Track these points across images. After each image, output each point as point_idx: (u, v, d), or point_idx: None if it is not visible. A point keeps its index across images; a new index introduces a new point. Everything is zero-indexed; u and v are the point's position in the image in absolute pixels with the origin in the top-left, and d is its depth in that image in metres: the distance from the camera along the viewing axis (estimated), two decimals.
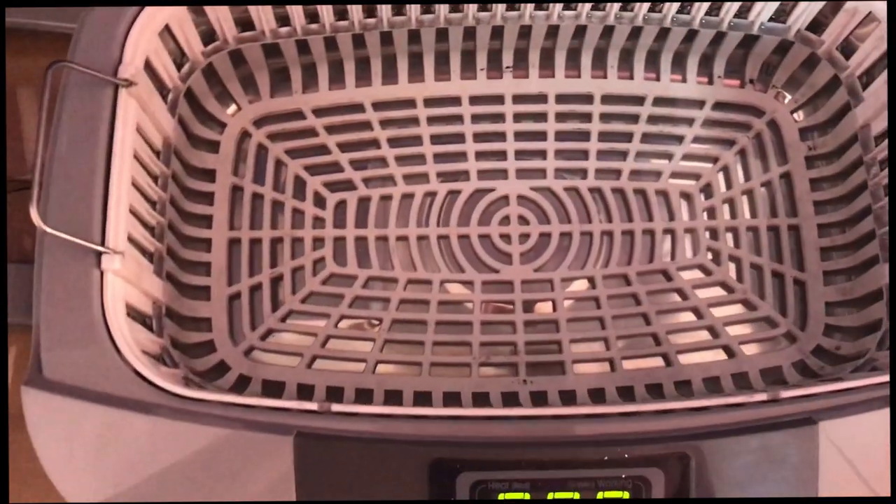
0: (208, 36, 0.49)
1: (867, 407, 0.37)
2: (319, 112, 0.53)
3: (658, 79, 0.54)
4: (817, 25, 0.50)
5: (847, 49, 0.49)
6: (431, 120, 0.53)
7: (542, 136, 0.53)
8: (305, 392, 0.47)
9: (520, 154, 0.53)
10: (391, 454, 0.36)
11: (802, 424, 0.36)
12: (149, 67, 0.44)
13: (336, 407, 0.37)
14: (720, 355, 0.49)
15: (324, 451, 0.36)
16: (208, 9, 0.47)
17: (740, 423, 0.37)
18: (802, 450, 0.36)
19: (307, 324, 0.50)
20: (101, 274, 0.38)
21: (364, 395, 0.47)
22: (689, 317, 0.50)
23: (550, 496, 0.36)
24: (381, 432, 0.37)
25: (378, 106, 0.53)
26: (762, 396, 0.38)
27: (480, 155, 0.53)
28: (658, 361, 0.49)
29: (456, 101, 0.53)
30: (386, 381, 0.48)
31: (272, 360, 0.49)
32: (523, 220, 0.52)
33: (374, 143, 0.53)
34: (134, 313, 0.41)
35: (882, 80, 0.47)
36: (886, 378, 0.38)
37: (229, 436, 0.36)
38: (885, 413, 0.36)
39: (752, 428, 0.37)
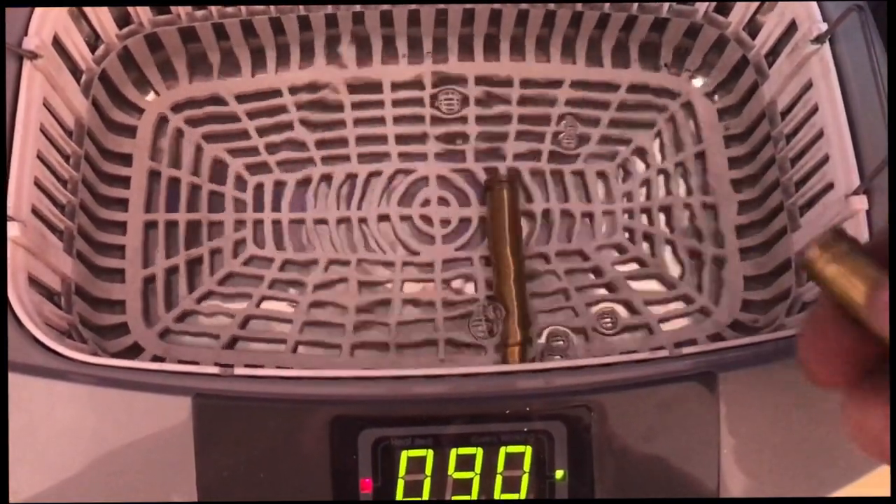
0: (123, 19, 0.49)
1: (763, 360, 0.37)
2: (238, 97, 0.53)
3: (574, 64, 0.55)
4: (724, 7, 0.51)
5: (752, 29, 0.51)
6: (352, 105, 0.53)
7: (462, 119, 0.54)
8: None
9: (440, 137, 0.53)
10: (292, 413, 0.36)
11: (702, 377, 0.37)
12: (58, 45, 0.44)
13: (238, 370, 0.37)
14: (637, 332, 0.50)
15: (223, 412, 0.35)
16: None
17: (642, 378, 0.37)
18: (703, 401, 0.36)
19: (226, 305, 0.49)
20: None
21: None
22: (606, 294, 0.51)
23: (453, 452, 0.36)
24: (283, 392, 0.36)
25: (298, 90, 0.53)
26: (664, 353, 0.38)
27: (401, 138, 0.53)
28: (577, 338, 0.50)
29: (377, 85, 0.54)
30: (306, 362, 0.48)
31: (189, 342, 0.48)
32: (444, 202, 0.52)
33: (294, 127, 0.53)
34: (39, 287, 0.41)
35: (784, 56, 0.48)
36: (781, 334, 0.38)
37: (129, 397, 0.35)
38: (778, 365, 0.37)
39: (653, 381, 0.37)
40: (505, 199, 0.50)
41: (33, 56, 0.41)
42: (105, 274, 0.48)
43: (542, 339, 0.49)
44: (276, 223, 0.51)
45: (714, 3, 0.51)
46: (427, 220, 0.52)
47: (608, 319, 0.50)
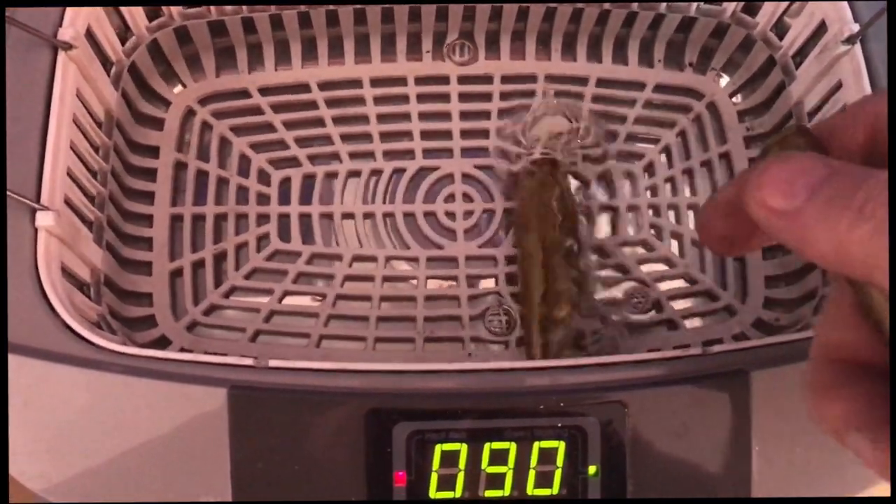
0: (153, 11, 0.49)
1: (795, 358, 0.37)
2: (265, 91, 0.53)
3: (600, 62, 0.55)
4: (751, 7, 0.51)
5: (780, 30, 0.51)
6: (377, 100, 0.54)
7: (486, 115, 0.54)
8: None
9: (465, 133, 0.54)
10: (327, 405, 0.36)
11: (735, 375, 0.37)
12: (90, 36, 0.45)
13: (273, 362, 0.37)
14: (662, 329, 0.50)
15: (258, 403, 0.36)
16: None
17: (675, 376, 0.37)
18: (736, 399, 0.37)
19: (251, 300, 0.49)
20: (35, 231, 0.38)
21: None
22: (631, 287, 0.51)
23: (487, 446, 0.36)
24: (318, 385, 0.36)
25: (324, 86, 0.53)
26: (696, 351, 0.38)
27: (426, 134, 0.53)
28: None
29: (402, 81, 0.54)
30: (330, 355, 0.48)
31: (215, 335, 0.48)
32: (468, 198, 0.52)
33: (320, 122, 0.53)
34: (70, 278, 0.41)
35: (812, 56, 0.48)
36: (812, 333, 0.38)
37: (164, 388, 0.36)
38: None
39: (686, 379, 0.37)
40: (535, 189, 0.50)
41: (68, 47, 0.41)
42: (133, 266, 0.48)
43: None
44: (304, 217, 0.51)
45: (742, 4, 0.51)
46: (451, 215, 0.52)
47: (638, 299, 0.50)
